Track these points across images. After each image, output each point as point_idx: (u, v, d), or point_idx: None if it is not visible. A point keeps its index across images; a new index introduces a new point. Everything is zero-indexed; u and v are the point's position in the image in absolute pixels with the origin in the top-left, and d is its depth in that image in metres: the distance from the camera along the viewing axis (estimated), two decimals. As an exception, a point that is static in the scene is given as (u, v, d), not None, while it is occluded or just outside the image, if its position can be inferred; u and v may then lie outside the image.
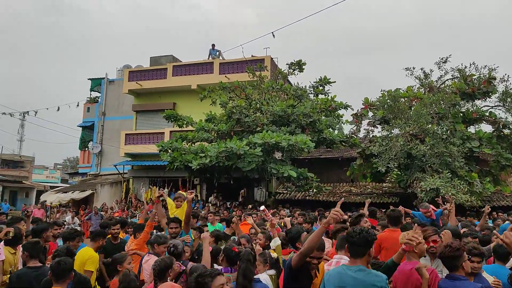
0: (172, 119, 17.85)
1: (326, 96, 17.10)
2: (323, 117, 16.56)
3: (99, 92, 27.45)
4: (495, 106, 15.20)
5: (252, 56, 19.99)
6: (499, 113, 15.09)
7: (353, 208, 14.48)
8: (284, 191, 19.99)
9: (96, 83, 27.42)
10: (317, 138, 16.02)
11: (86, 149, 27.34)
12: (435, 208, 8.23)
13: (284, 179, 16.11)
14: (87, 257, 4.83)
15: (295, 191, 19.06)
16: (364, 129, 16.36)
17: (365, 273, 3.07)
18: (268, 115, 15.66)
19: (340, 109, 16.86)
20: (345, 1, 14.72)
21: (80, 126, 27.49)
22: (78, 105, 27.78)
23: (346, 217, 3.31)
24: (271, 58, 20.00)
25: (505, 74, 14.81)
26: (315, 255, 3.54)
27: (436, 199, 8.97)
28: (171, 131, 21.04)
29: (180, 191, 7.06)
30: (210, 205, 16.94)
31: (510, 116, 14.62)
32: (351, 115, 16.74)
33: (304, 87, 17.02)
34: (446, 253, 3.55)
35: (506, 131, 14.80)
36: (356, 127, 16.46)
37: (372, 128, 16.06)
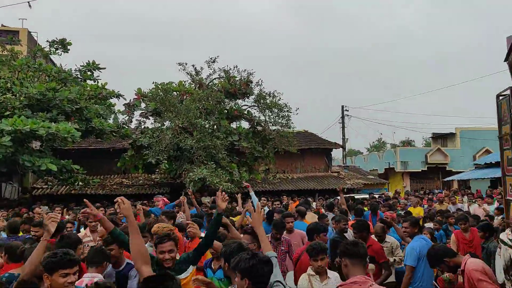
0: None
1: (96, 83, 15.90)
2: (95, 105, 15.34)
3: None
4: (251, 106, 17.52)
5: (2, 25, 16.62)
6: (254, 112, 17.50)
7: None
8: (44, 186, 17.64)
9: None
10: (85, 127, 14.72)
11: None
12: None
13: (43, 173, 14.15)
14: None
15: (57, 185, 17.10)
16: (136, 120, 16.13)
17: None
18: (22, 97, 13.35)
19: (111, 98, 15.99)
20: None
21: None
22: None
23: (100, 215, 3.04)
24: (29, 32, 17.14)
25: (260, 79, 17.25)
26: None
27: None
28: None
29: None
30: None
31: (262, 115, 17.15)
32: (123, 105, 16.19)
33: (69, 70, 15.30)
34: None
35: (259, 128, 17.29)
36: (128, 117, 16.01)
37: (144, 119, 15.99)
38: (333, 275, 4.04)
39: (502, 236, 3.43)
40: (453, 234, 5.97)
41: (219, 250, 3.70)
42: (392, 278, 5.59)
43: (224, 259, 3.18)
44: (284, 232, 5.94)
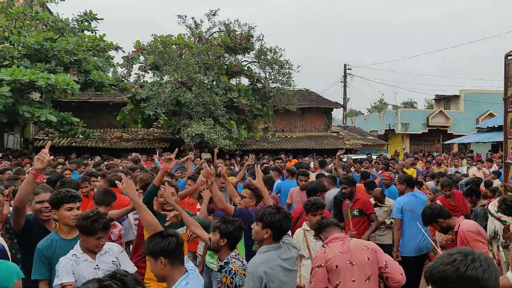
0: None
1: (94, 34, 15.49)
2: (93, 58, 15.05)
3: None
4: (252, 61, 17.15)
5: (-4, -30, 15.96)
6: (254, 69, 17.17)
7: (123, 154, 14.15)
8: (46, 138, 17.73)
9: None
10: (84, 79, 14.58)
11: None
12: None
13: (43, 124, 14.19)
14: None
15: (59, 137, 17.18)
16: (135, 73, 15.89)
17: None
18: (20, 47, 13.11)
19: (110, 50, 15.66)
20: None
21: None
22: None
23: (50, 158, 3.10)
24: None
25: (261, 33, 16.76)
26: None
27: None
28: None
29: None
30: None
31: (262, 72, 16.83)
32: (122, 58, 15.87)
33: (66, 19, 14.85)
34: None
35: (259, 85, 17.04)
36: (127, 70, 15.76)
37: (143, 73, 15.74)
38: None
39: (490, 207, 3.46)
40: (437, 200, 5.96)
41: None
42: (389, 240, 5.79)
43: (221, 234, 3.09)
44: (297, 189, 6.04)
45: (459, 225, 3.63)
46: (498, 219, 3.20)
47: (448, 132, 27.09)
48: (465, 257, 1.37)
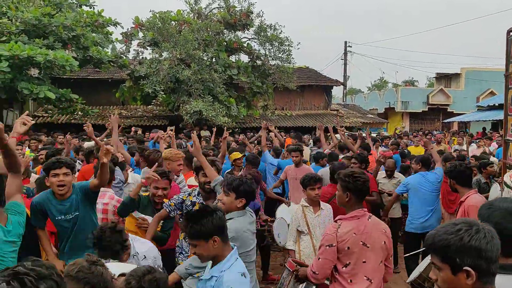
0: None
1: (92, 9, 15.25)
2: (93, 34, 14.84)
3: None
4: (251, 38, 16.93)
5: None
6: (254, 45, 16.97)
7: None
8: (45, 114, 17.70)
9: None
10: (82, 55, 14.43)
11: None
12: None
13: (42, 101, 14.14)
14: None
15: (58, 114, 17.14)
16: (134, 50, 15.71)
17: None
18: (18, 22, 12.93)
19: (108, 26, 15.45)
20: None
21: None
22: None
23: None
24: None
25: (261, 10, 16.49)
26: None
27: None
28: None
29: None
30: None
31: (262, 49, 16.63)
32: (121, 34, 15.66)
33: (63, -6, 14.61)
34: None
35: (259, 62, 16.88)
36: (125, 47, 15.57)
37: (142, 49, 15.57)
38: (325, 206, 4.18)
39: (506, 178, 3.46)
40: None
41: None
42: (398, 214, 5.95)
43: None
44: (292, 166, 6.11)
45: (466, 197, 3.54)
46: None
47: (449, 110, 27.02)
48: (470, 227, 1.39)
